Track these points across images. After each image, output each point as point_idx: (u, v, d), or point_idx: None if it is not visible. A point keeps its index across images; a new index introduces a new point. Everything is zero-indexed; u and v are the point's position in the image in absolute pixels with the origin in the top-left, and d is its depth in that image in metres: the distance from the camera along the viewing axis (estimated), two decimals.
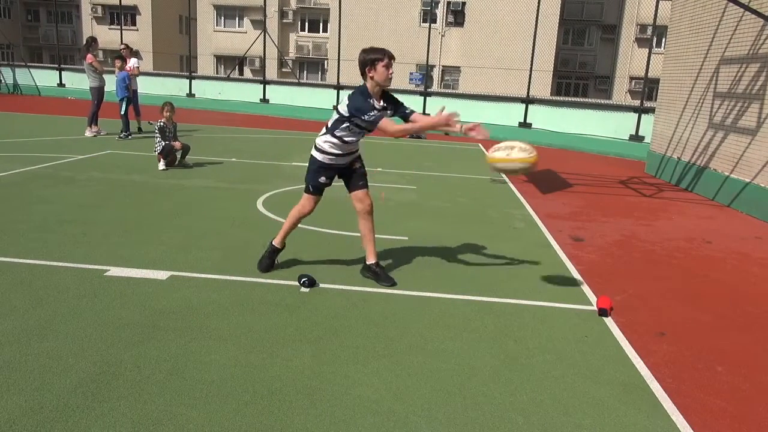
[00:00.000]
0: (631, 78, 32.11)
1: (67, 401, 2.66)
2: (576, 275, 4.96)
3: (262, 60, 22.93)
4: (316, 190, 4.33)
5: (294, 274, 4.44)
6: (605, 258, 5.57)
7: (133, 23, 38.24)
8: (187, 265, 4.59)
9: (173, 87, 21.87)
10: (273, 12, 35.46)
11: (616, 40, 33.65)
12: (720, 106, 9.02)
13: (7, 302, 3.70)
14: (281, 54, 32.23)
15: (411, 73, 28.09)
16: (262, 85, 21.08)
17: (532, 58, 16.77)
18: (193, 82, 22.11)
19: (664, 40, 13.78)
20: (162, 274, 4.33)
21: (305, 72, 37.76)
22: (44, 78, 23.58)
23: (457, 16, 30.25)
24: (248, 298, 4.00)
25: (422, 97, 18.55)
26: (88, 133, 11.98)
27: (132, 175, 8.15)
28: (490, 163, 4.01)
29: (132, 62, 12.54)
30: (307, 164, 4.36)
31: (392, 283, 4.38)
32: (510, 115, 17.06)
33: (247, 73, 34.84)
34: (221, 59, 37.73)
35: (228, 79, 22.85)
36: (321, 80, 34.20)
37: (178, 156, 8.96)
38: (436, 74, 30.20)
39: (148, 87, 19.25)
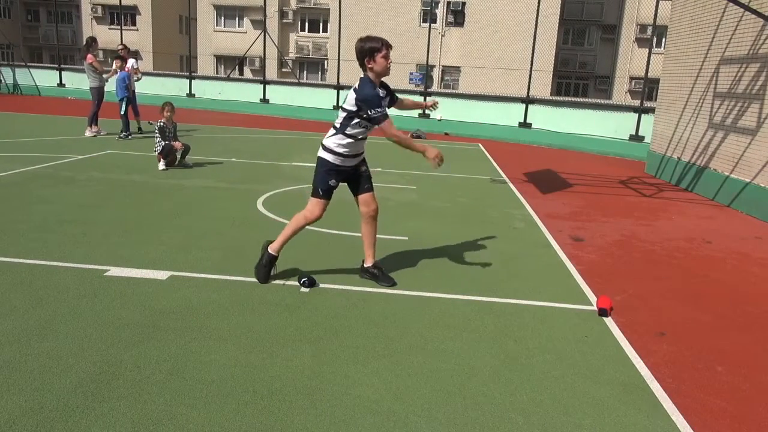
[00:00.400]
0: (631, 78, 32.11)
1: (67, 401, 2.66)
2: (576, 275, 4.96)
3: (262, 60, 22.92)
4: (326, 193, 4.17)
5: (294, 274, 4.44)
6: (605, 258, 5.57)
7: (133, 23, 38.25)
8: (187, 265, 4.59)
9: (173, 87, 21.87)
10: (273, 12, 35.46)
11: (616, 40, 33.65)
12: (720, 106, 9.02)
13: (7, 302, 3.70)
14: (281, 54, 32.23)
15: (411, 73, 28.10)
16: (262, 85, 21.08)
17: (532, 58, 16.77)
18: (193, 82, 22.11)
19: (664, 40, 13.79)
20: (162, 274, 4.33)
21: (305, 72, 37.76)
22: (44, 78, 23.58)
23: (457, 16, 30.24)
24: (248, 298, 4.00)
25: (422, 97, 18.53)
26: (88, 133, 11.98)
27: (132, 175, 8.15)
28: None
29: (130, 63, 12.54)
30: (314, 165, 4.21)
31: (392, 283, 4.38)
32: (510, 115, 17.06)
33: (247, 73, 34.84)
34: (221, 59, 37.72)
35: (228, 79, 22.85)
36: (321, 80, 34.21)
37: (178, 156, 8.96)
38: (436, 74, 30.20)
39: (148, 87, 19.24)
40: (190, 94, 21.89)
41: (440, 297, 4.24)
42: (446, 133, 17.51)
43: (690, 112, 10.00)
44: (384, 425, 2.64)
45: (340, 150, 4.12)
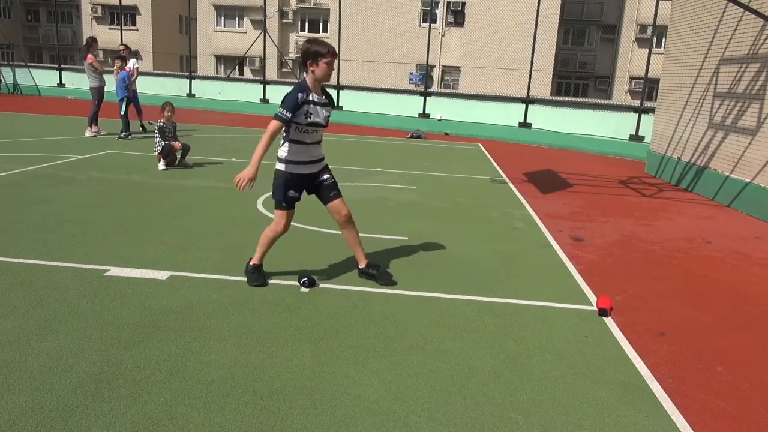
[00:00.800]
0: (631, 78, 32.10)
1: (67, 401, 2.66)
2: (576, 275, 4.96)
3: (262, 60, 22.92)
4: (288, 204, 4.12)
5: (294, 274, 4.44)
6: (605, 258, 5.57)
7: (133, 23, 38.24)
8: (187, 265, 4.59)
9: (173, 87, 21.87)
10: (273, 12, 35.45)
11: (616, 40, 33.65)
12: (720, 106, 9.02)
13: (7, 302, 3.70)
14: (281, 54, 32.22)
15: (411, 73, 28.10)
16: (262, 85, 21.08)
17: (532, 58, 16.77)
18: (193, 82, 22.11)
19: (664, 40, 13.79)
20: (162, 274, 4.33)
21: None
22: (44, 78, 23.58)
23: (457, 16, 30.24)
24: (248, 298, 4.00)
25: (422, 97, 18.54)
26: (88, 133, 11.99)
27: (132, 175, 8.15)
28: None
29: (131, 63, 12.54)
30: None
31: (391, 282, 4.37)
32: (510, 115, 17.06)
33: (247, 73, 34.84)
34: (221, 59, 37.72)
35: (228, 79, 22.85)
36: None
37: (178, 156, 8.96)
38: (436, 74, 30.19)
39: (148, 87, 19.26)
40: (190, 94, 21.89)
41: (440, 297, 4.24)
42: (446, 133, 17.51)
43: (690, 112, 10.00)
44: (384, 425, 2.64)
45: (291, 157, 4.08)
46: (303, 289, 4.20)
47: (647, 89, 15.25)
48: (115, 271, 4.34)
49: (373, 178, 9.03)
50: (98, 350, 3.15)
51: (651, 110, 13.48)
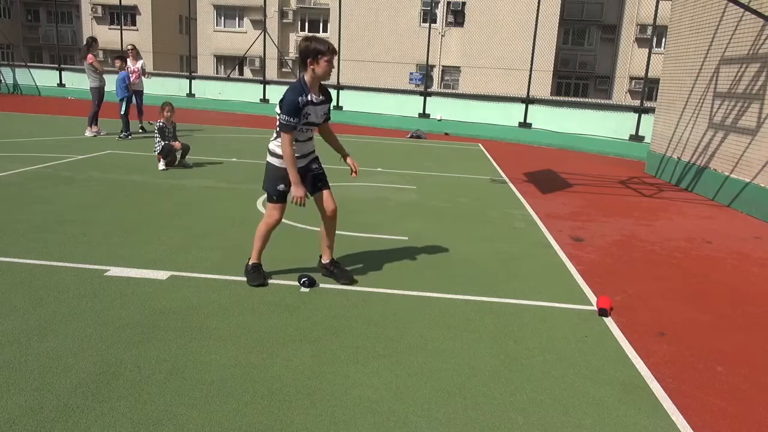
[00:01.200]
0: (631, 78, 32.10)
1: (67, 401, 2.66)
2: (576, 275, 4.96)
3: (262, 60, 22.92)
4: (279, 198, 4.12)
5: (294, 274, 4.44)
6: (605, 258, 5.57)
7: (133, 23, 38.24)
8: (187, 265, 4.59)
9: (173, 87, 21.87)
10: (273, 12, 35.45)
11: (616, 40, 33.64)
12: (720, 106, 9.02)
13: (7, 302, 3.70)
14: (281, 54, 32.22)
15: (411, 73, 28.11)
16: (262, 85, 21.08)
17: (532, 58, 16.77)
18: (193, 82, 22.11)
19: (664, 40, 13.79)
20: (162, 274, 4.33)
21: None
22: (44, 78, 23.58)
23: (457, 16, 30.23)
24: (248, 298, 4.00)
25: (422, 97, 18.54)
26: (88, 133, 11.99)
27: (132, 175, 8.15)
28: None
29: (139, 64, 12.56)
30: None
31: (351, 280, 4.34)
32: (510, 115, 17.06)
33: (247, 73, 34.83)
34: (221, 59, 37.72)
35: (228, 79, 22.85)
36: None
37: (178, 156, 8.96)
38: (436, 74, 30.19)
39: (148, 87, 19.16)
40: (190, 94, 21.89)
41: (440, 297, 4.24)
42: (446, 133, 17.51)
43: (690, 112, 10.00)
44: (384, 425, 2.64)
45: (280, 151, 4.04)
46: (303, 289, 4.20)
47: (647, 89, 15.25)
48: (115, 271, 4.34)
49: (373, 178, 9.03)
50: (98, 350, 3.15)
51: (651, 110, 13.48)
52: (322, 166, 4.32)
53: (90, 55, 11.69)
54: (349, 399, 2.84)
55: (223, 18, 37.85)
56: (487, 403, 2.88)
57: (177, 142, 8.82)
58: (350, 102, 19.52)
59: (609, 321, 4.01)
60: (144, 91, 13.03)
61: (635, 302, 4.43)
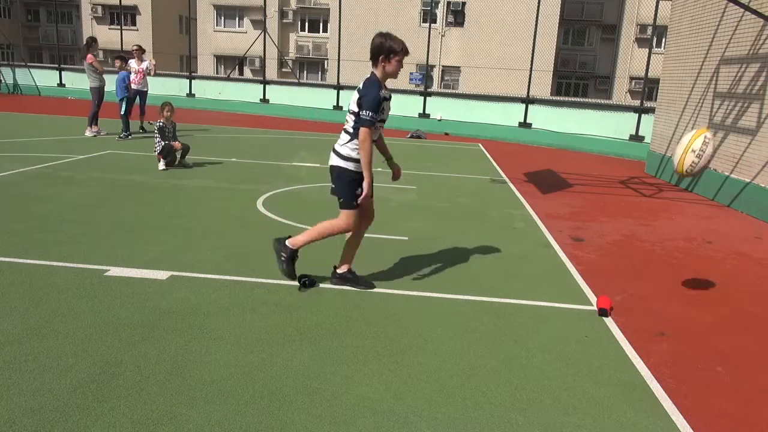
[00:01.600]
0: (631, 78, 32.11)
1: (67, 401, 2.66)
2: (576, 275, 4.96)
3: (262, 60, 22.92)
4: (358, 204, 3.97)
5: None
6: (605, 258, 5.57)
7: (133, 23, 38.24)
8: (187, 265, 4.59)
9: (173, 87, 21.86)
10: (273, 12, 35.45)
11: (616, 40, 33.65)
12: (720, 106, 9.02)
13: (7, 302, 3.70)
14: (281, 54, 32.22)
15: (411, 73, 28.09)
16: (262, 85, 21.08)
17: (532, 58, 16.77)
18: (193, 82, 22.10)
19: (664, 40, 13.78)
20: (162, 274, 4.33)
21: (305, 72, 37.75)
22: (44, 78, 23.57)
23: (457, 16, 30.24)
24: (248, 298, 4.00)
25: (422, 97, 18.54)
26: (88, 133, 11.99)
27: (132, 175, 8.15)
28: (682, 172, 4.31)
29: (144, 64, 12.55)
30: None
31: (371, 286, 4.29)
32: (510, 115, 17.06)
33: (247, 73, 34.83)
34: (221, 59, 37.72)
35: (228, 79, 22.84)
36: (321, 80, 34.19)
37: (178, 156, 8.96)
38: (436, 74, 30.19)
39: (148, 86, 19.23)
40: (190, 94, 21.88)
41: (440, 297, 4.24)
42: (446, 133, 17.50)
43: (690, 112, 10.00)
44: (384, 425, 2.64)
45: (356, 155, 3.95)
46: (303, 289, 4.20)
47: (647, 89, 15.25)
48: (115, 271, 4.34)
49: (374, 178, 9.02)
50: (98, 350, 3.15)
51: (651, 110, 13.48)
52: None
53: (90, 55, 11.69)
54: (349, 399, 2.83)
55: (223, 18, 37.86)
56: (487, 403, 2.88)
57: (177, 142, 8.81)
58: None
59: (609, 321, 4.01)
60: (148, 91, 12.99)
61: (635, 302, 4.43)
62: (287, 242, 4.08)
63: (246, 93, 21.28)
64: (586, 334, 3.77)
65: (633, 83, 31.83)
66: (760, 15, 7.65)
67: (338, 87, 19.47)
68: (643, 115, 14.22)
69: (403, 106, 18.85)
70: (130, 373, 2.94)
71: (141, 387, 2.81)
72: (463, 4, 29.82)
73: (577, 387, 3.09)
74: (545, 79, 27.38)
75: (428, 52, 19.17)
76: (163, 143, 8.66)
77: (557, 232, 6.40)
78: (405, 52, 3.94)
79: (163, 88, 21.55)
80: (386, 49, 3.90)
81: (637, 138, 14.33)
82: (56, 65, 23.73)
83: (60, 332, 3.33)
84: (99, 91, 11.93)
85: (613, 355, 3.50)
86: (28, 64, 25.46)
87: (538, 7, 16.47)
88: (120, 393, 2.75)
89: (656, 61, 13.73)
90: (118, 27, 28.56)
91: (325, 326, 3.63)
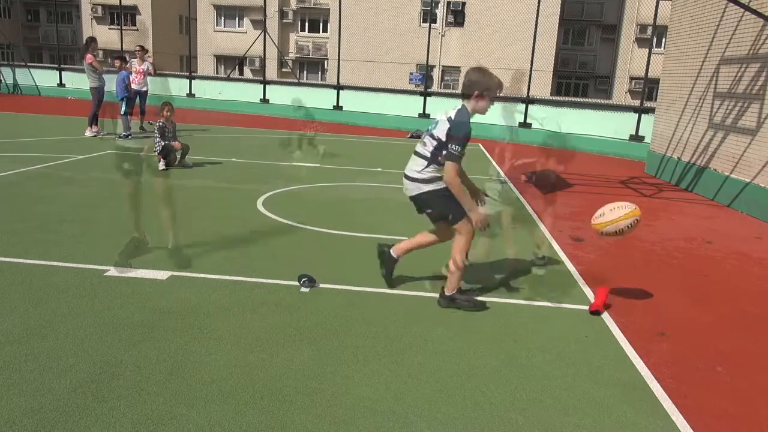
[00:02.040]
0: (631, 78, 32.10)
1: (67, 401, 2.66)
2: (576, 275, 4.96)
3: (262, 60, 22.92)
4: (464, 213, 3.91)
5: (294, 274, 4.43)
6: (605, 258, 5.57)
7: (133, 23, 38.23)
8: (187, 265, 4.58)
9: (173, 87, 21.85)
10: (273, 12, 35.45)
11: (616, 40, 33.65)
12: (720, 106, 9.02)
13: (6, 302, 3.70)
14: (281, 54, 32.22)
15: (411, 73, 28.10)
16: (262, 85, 21.08)
17: (532, 58, 16.77)
18: (193, 82, 22.10)
19: (664, 40, 13.78)
20: (162, 274, 4.33)
21: (305, 72, 37.76)
22: (44, 78, 23.57)
23: (457, 16, 30.24)
24: (248, 298, 4.00)
25: (422, 97, 18.54)
26: (88, 133, 11.99)
27: (132, 175, 8.14)
28: (598, 230, 4.24)
29: (145, 65, 12.55)
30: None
31: (483, 307, 4.08)
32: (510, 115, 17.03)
33: (247, 73, 34.83)
34: (221, 59, 37.72)
35: (228, 79, 22.84)
36: (321, 80, 34.20)
37: (178, 156, 8.96)
38: (436, 74, 30.18)
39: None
40: (190, 94, 21.88)
41: None
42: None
43: (690, 112, 10.00)
44: (384, 425, 2.64)
45: (440, 174, 3.88)
46: (303, 289, 4.20)
47: (647, 89, 15.25)
48: (115, 271, 4.34)
49: (373, 178, 9.03)
50: (98, 350, 3.15)
51: (651, 110, 13.48)
52: None
53: (89, 55, 11.69)
54: (349, 399, 2.83)
55: (223, 18, 37.87)
56: (487, 403, 2.88)
57: (177, 142, 8.81)
58: (350, 102, 19.51)
59: (609, 321, 4.01)
60: (148, 91, 13.00)
61: (635, 302, 4.42)
62: (392, 251, 4.21)
63: (246, 93, 21.27)
64: (586, 334, 3.77)
65: (633, 83, 31.83)
66: (760, 15, 7.65)
67: (338, 87, 19.47)
68: (643, 115, 14.22)
69: (403, 106, 18.86)
70: (130, 373, 2.94)
71: (141, 387, 2.81)
72: (463, 4, 29.82)
73: (577, 387, 3.09)
74: (545, 79, 27.37)
75: (428, 52, 19.19)
76: (163, 143, 8.65)
77: (557, 232, 6.39)
78: (500, 89, 3.80)
79: (163, 88, 21.54)
80: (486, 87, 3.76)
81: (637, 138, 14.33)
82: (56, 65, 23.73)
83: (60, 332, 3.33)
84: (99, 91, 11.93)
85: (613, 355, 3.50)
86: (28, 64, 25.46)
87: (538, 7, 16.47)
88: (120, 393, 2.75)
89: (656, 61, 13.72)
90: (118, 27, 28.56)
91: (325, 326, 3.63)
